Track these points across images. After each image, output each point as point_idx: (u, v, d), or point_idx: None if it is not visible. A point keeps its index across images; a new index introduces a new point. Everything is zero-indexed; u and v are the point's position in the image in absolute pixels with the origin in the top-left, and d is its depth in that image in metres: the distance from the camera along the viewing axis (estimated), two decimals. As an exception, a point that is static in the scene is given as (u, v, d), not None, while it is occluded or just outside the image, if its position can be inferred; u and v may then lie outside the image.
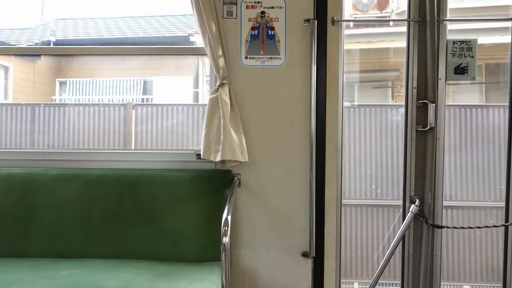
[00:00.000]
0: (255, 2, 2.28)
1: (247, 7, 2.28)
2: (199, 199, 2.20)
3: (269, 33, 2.28)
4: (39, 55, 5.28)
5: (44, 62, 5.37)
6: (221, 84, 2.20)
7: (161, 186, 2.21)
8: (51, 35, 5.40)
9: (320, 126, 2.27)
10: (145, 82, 5.21)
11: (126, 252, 2.16)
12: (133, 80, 5.19)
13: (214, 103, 2.20)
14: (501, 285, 2.43)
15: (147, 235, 2.17)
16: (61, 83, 5.25)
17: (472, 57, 2.31)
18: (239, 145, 2.19)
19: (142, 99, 5.13)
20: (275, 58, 2.27)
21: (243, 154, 2.20)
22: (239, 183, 2.27)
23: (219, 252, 1.82)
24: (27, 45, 5.43)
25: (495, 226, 2.65)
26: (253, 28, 2.28)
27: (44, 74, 5.40)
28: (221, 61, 2.19)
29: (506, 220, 2.36)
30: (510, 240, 2.36)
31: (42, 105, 3.71)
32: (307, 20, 2.24)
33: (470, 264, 3.25)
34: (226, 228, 1.81)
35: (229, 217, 1.87)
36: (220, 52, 2.19)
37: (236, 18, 2.28)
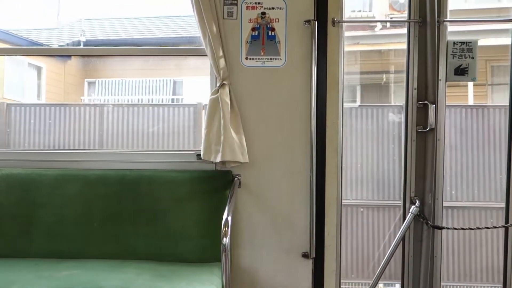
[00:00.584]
0: (255, 3, 2.28)
1: (247, 8, 2.28)
2: (200, 199, 2.20)
3: (270, 34, 2.28)
4: (70, 56, 5.28)
5: (74, 62, 5.37)
6: (222, 85, 2.20)
7: (161, 186, 2.21)
8: (81, 35, 5.40)
9: (320, 126, 2.27)
10: (174, 82, 5.19)
11: (126, 253, 2.17)
12: (163, 80, 5.17)
13: (215, 103, 2.20)
14: (501, 286, 2.43)
15: (147, 236, 2.17)
16: (89, 83, 5.25)
17: (473, 58, 2.31)
18: (240, 146, 2.19)
19: (172, 99, 5.11)
20: (276, 59, 2.28)
21: (243, 154, 2.20)
22: (239, 183, 2.27)
23: (219, 252, 1.82)
24: (59, 46, 5.43)
25: (495, 227, 2.65)
26: (253, 29, 2.28)
27: (74, 74, 5.41)
28: (222, 62, 2.19)
29: (507, 221, 2.36)
30: (511, 241, 2.36)
31: (111, 105, 3.70)
32: (308, 21, 2.24)
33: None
34: (226, 228, 1.82)
35: (229, 218, 1.87)
36: (221, 53, 2.19)
37: (237, 18, 2.28)
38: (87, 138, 3.59)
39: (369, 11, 4.17)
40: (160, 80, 5.15)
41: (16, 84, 5.07)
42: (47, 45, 5.37)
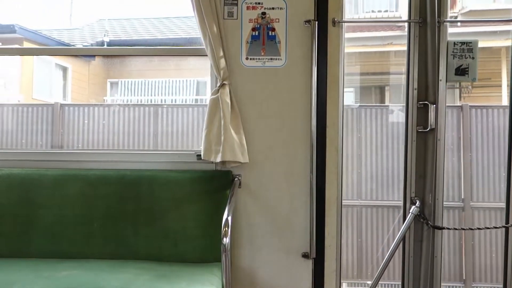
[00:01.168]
0: (255, 3, 2.28)
1: (247, 8, 2.28)
2: (200, 199, 2.20)
3: (270, 34, 2.28)
4: (94, 56, 5.32)
5: (97, 62, 5.41)
6: (222, 85, 2.20)
7: (161, 186, 2.21)
8: (105, 36, 5.42)
9: (320, 126, 2.27)
10: (198, 82, 5.18)
11: (126, 253, 2.17)
12: (186, 80, 5.17)
13: (215, 103, 2.20)
14: (501, 286, 2.43)
15: (147, 236, 2.17)
16: (112, 83, 5.26)
17: (473, 58, 2.31)
18: (240, 146, 2.19)
19: (196, 100, 5.11)
20: (276, 59, 2.28)
21: (243, 154, 2.20)
22: (240, 183, 2.27)
23: (219, 252, 1.82)
24: (83, 46, 5.46)
25: (496, 228, 2.65)
26: (253, 29, 2.28)
27: (97, 74, 5.44)
28: (222, 62, 2.19)
29: (507, 221, 2.36)
30: (511, 241, 2.36)
31: (165, 106, 3.74)
32: (308, 21, 2.24)
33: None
34: (226, 229, 1.82)
35: (229, 218, 1.87)
36: (221, 53, 2.19)
37: (237, 19, 2.28)
38: (141, 139, 3.62)
39: (395, 11, 4.14)
40: (183, 81, 5.14)
41: (44, 85, 5.10)
42: (73, 45, 5.40)
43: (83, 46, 5.47)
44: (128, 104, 3.89)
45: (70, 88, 5.29)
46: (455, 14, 4.70)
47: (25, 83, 4.95)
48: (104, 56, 5.22)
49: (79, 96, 5.38)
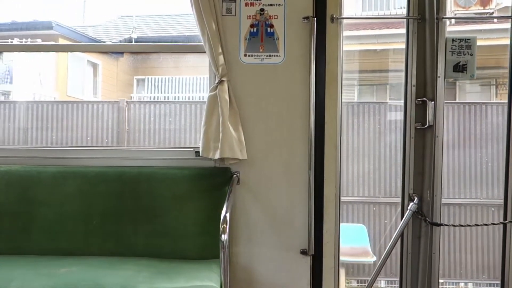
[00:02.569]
0: (254, -1, 2.28)
1: (246, 4, 2.27)
2: (198, 196, 2.20)
3: (268, 30, 2.28)
4: (123, 53, 5.32)
5: (126, 59, 5.42)
6: (220, 82, 2.20)
7: (160, 183, 2.21)
8: (132, 32, 5.41)
9: (319, 123, 2.27)
10: None
11: (125, 250, 2.17)
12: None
13: (213, 100, 2.20)
14: (499, 282, 2.44)
15: (146, 233, 2.18)
16: (138, 80, 5.25)
17: (471, 54, 2.31)
18: (238, 143, 2.19)
19: None
20: (274, 55, 2.27)
21: (242, 151, 2.20)
22: (238, 180, 2.27)
23: (218, 249, 1.82)
24: (112, 42, 5.46)
25: (493, 224, 2.66)
26: (252, 26, 2.28)
27: (125, 71, 5.45)
28: (220, 59, 2.19)
29: (504, 217, 2.37)
30: (508, 237, 2.36)
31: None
32: (306, 18, 2.24)
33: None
34: (225, 225, 1.82)
35: (228, 215, 1.87)
36: (219, 50, 2.19)
37: (235, 15, 2.28)
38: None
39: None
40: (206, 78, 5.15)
41: (78, 82, 5.11)
42: (103, 42, 5.41)
43: (112, 43, 5.48)
44: (195, 101, 3.86)
45: (100, 84, 5.31)
46: (491, 11, 4.63)
47: (60, 80, 4.96)
48: (132, 52, 5.23)
49: (109, 93, 5.39)
